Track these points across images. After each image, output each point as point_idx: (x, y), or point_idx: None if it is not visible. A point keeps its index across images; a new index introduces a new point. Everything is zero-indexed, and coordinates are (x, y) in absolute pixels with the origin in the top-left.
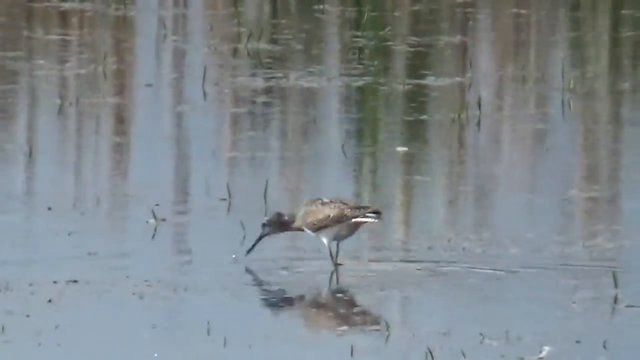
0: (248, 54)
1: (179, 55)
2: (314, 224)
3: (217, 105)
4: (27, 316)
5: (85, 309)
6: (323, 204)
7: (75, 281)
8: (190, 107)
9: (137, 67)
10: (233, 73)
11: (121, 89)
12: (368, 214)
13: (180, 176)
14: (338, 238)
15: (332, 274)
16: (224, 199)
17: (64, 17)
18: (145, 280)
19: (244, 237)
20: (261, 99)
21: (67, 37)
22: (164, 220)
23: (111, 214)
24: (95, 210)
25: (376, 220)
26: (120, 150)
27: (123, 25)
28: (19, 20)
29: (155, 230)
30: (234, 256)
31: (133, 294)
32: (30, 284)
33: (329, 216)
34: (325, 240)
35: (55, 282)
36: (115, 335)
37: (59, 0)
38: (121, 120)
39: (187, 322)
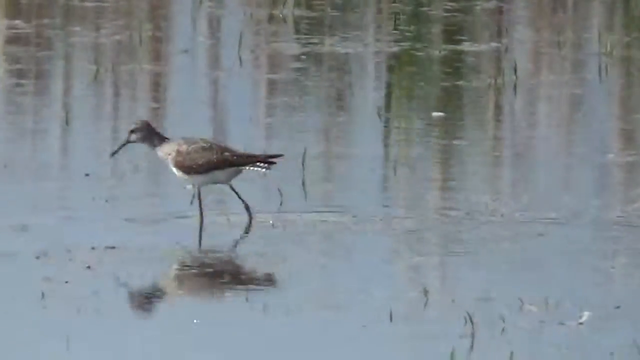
0: (284, 20)
1: (215, 22)
2: (192, 167)
3: (253, 71)
4: (66, 282)
5: (123, 275)
6: (203, 148)
7: (113, 247)
8: (226, 73)
9: (173, 34)
10: (269, 39)
11: (157, 56)
12: (259, 164)
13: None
14: (208, 184)
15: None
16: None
17: None
18: (177, 244)
19: (281, 204)
20: (297, 65)
21: (103, 4)
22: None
23: (148, 180)
24: (132, 176)
25: (265, 170)
26: (156, 116)
27: None
28: None
29: (193, 196)
30: (271, 222)
31: (164, 259)
32: (69, 251)
33: (211, 161)
34: (194, 186)
35: (93, 248)
36: (152, 300)
37: None
38: (157, 87)
39: (225, 288)
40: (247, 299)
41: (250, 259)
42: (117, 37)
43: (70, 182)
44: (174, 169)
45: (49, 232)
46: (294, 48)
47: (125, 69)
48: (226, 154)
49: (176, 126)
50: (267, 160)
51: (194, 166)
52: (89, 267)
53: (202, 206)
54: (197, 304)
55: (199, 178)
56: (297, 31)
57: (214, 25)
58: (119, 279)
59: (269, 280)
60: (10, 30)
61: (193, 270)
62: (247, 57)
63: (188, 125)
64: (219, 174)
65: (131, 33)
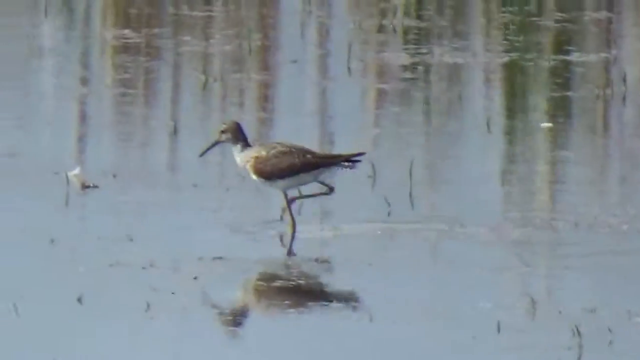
0: (393, 29)
1: (324, 32)
2: (273, 173)
3: (361, 81)
4: (172, 293)
5: (230, 285)
6: (283, 153)
7: (220, 258)
8: (335, 83)
9: (281, 44)
10: (378, 49)
11: (266, 65)
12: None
13: (325, 152)
14: (291, 188)
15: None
16: (370, 176)
17: None
18: (288, 256)
19: (389, 214)
20: (406, 74)
21: (212, 14)
22: (309, 196)
23: (255, 190)
24: (240, 186)
25: (350, 169)
26: (265, 126)
27: (268, 2)
28: None
29: (301, 206)
30: (378, 232)
31: (278, 267)
32: (175, 261)
33: (295, 165)
34: (281, 190)
35: (200, 258)
36: (260, 310)
37: None
38: (266, 96)
39: (333, 297)
40: (354, 309)
41: (358, 268)
42: (226, 46)
43: (178, 193)
44: (254, 176)
45: (156, 242)
46: (403, 58)
47: (234, 78)
48: (308, 156)
49: (284, 136)
50: (350, 159)
51: (276, 171)
52: (195, 277)
53: (293, 213)
54: (304, 315)
55: (282, 183)
56: (406, 41)
57: (323, 35)
58: (225, 290)
59: (376, 289)
60: (120, 39)
61: (300, 281)
62: (356, 67)
63: (296, 134)
64: (304, 177)
65: (240, 43)
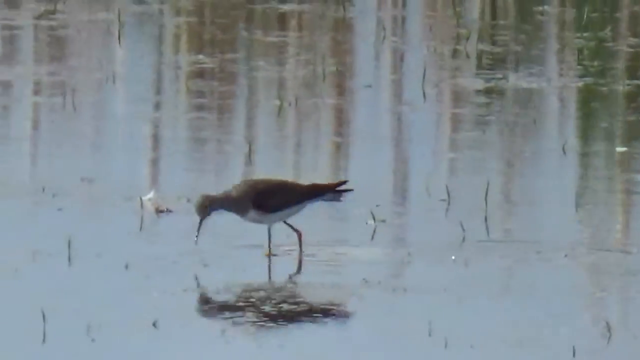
0: (467, 55)
1: (398, 57)
2: (277, 205)
3: (436, 105)
4: (249, 322)
5: (304, 311)
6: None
7: (293, 283)
8: (410, 107)
9: (356, 69)
10: (452, 74)
11: (340, 90)
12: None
13: (399, 177)
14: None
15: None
16: (444, 200)
17: (283, 19)
18: (365, 282)
19: (464, 239)
20: (481, 99)
21: (286, 39)
22: (383, 221)
23: (330, 215)
24: (314, 211)
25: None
26: (339, 150)
27: (342, 27)
28: (238, 22)
29: (375, 231)
30: (453, 257)
31: (352, 295)
32: (248, 285)
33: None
34: (271, 224)
35: (279, 282)
36: (333, 338)
37: (278, 2)
38: (340, 121)
39: (407, 324)
40: (429, 334)
41: (432, 294)
42: (301, 71)
43: None
44: (252, 212)
45: (230, 267)
46: (478, 83)
47: (309, 103)
48: (297, 188)
49: (358, 160)
50: (337, 189)
51: (275, 204)
52: (273, 300)
53: (302, 243)
54: (377, 340)
55: (273, 217)
56: (481, 66)
57: (397, 60)
58: (295, 315)
59: (451, 315)
60: (194, 64)
61: (374, 306)
62: (430, 92)
63: (370, 159)
64: (295, 209)
65: (314, 67)
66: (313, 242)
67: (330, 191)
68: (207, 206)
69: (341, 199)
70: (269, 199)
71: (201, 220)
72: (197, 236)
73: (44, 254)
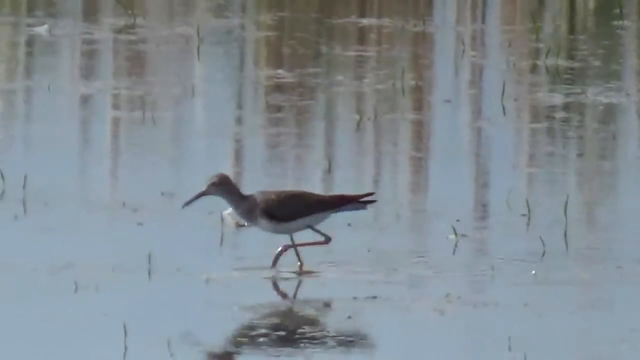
0: (547, 69)
1: (478, 71)
2: (294, 213)
3: (516, 120)
4: (326, 333)
5: (385, 325)
6: (290, 196)
7: (374, 297)
8: (490, 122)
9: (435, 83)
10: (532, 89)
11: (420, 105)
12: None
13: (480, 192)
14: (297, 231)
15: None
16: (524, 215)
17: (362, 33)
18: (446, 297)
19: (544, 254)
20: (560, 114)
21: (366, 53)
22: (464, 235)
23: (411, 230)
24: (395, 226)
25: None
26: (419, 165)
27: (421, 41)
28: (318, 37)
29: (456, 245)
30: (533, 272)
31: (433, 310)
32: (329, 299)
33: (301, 209)
34: (286, 233)
35: (355, 298)
36: (414, 352)
37: (358, 17)
38: (420, 136)
39: (487, 338)
40: (509, 348)
41: (513, 309)
42: (380, 86)
43: (332, 231)
44: (262, 220)
45: (310, 281)
46: (557, 98)
47: (388, 118)
48: (315, 198)
49: (438, 175)
50: (360, 200)
51: (286, 214)
52: (349, 317)
53: (301, 256)
54: (459, 351)
55: (288, 226)
56: (560, 81)
57: (477, 75)
58: (380, 329)
59: (531, 330)
60: (273, 79)
61: (456, 322)
62: (510, 107)
63: (450, 174)
64: (310, 220)
65: (394, 82)
66: (395, 257)
67: (354, 202)
68: (217, 185)
69: (366, 208)
70: (280, 208)
71: (201, 194)
72: (186, 204)
73: (124, 268)
